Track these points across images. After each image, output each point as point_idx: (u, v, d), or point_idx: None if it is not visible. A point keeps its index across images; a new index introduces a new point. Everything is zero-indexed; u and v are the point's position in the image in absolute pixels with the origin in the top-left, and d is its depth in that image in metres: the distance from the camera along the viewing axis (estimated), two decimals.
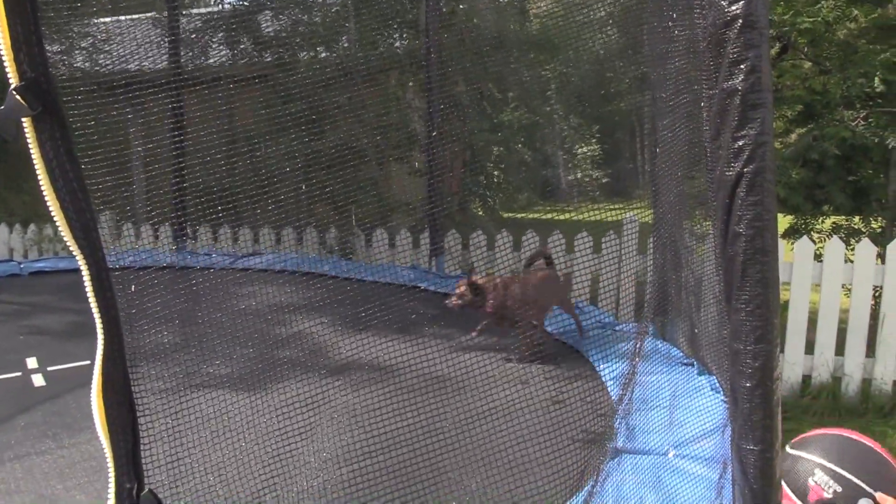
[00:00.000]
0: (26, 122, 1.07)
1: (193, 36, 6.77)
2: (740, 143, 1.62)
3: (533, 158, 9.30)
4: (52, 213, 1.12)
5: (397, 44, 7.94)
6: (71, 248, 1.14)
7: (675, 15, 2.39)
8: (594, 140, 14.20)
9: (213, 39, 6.65)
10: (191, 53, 6.45)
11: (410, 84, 7.82)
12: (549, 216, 8.88)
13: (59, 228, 1.13)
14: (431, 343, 3.90)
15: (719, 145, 1.68)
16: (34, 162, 1.09)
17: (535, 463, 2.52)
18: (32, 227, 6.78)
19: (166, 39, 6.47)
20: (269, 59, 6.75)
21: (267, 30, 6.87)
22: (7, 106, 1.03)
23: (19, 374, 3.60)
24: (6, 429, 2.99)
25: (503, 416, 2.87)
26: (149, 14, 7.76)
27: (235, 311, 4.30)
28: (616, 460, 2.55)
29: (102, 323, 1.14)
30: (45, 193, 1.10)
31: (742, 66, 1.62)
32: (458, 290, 3.76)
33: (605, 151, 14.53)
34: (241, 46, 6.67)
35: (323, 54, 7.24)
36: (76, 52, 8.43)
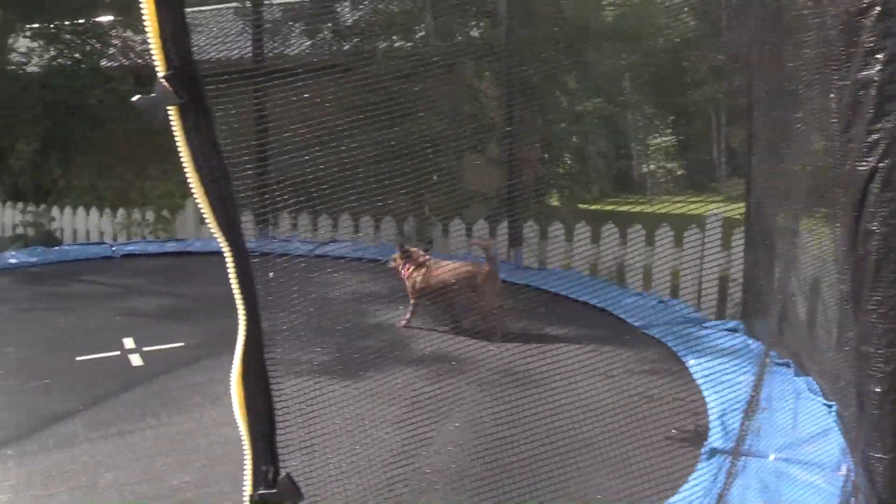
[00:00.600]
0: (172, 111, 1.09)
1: (274, 26, 6.89)
2: (875, 137, 1.54)
3: (609, 149, 9.15)
4: (197, 201, 1.14)
5: (474, 33, 7.91)
6: (215, 235, 1.16)
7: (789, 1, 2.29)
8: (669, 130, 13.87)
9: (294, 29, 6.74)
10: (272, 43, 6.56)
11: (487, 73, 7.78)
12: (626, 208, 8.72)
13: (204, 215, 1.15)
14: (510, 335, 3.89)
15: (850, 138, 1.60)
16: (179, 150, 1.11)
17: (626, 460, 2.48)
18: (121, 211, 7.04)
19: (249, 29, 6.59)
20: (348, 49, 6.81)
21: (346, 20, 6.93)
22: (156, 94, 1.06)
23: (118, 353, 3.74)
24: (109, 405, 3.12)
25: (589, 409, 2.83)
26: (232, 4, 7.94)
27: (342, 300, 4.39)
28: (715, 462, 2.48)
29: (245, 309, 1.16)
30: (189, 181, 1.12)
31: (879, 56, 1.54)
32: (393, 258, 4.35)
33: (680, 142, 14.16)
34: (321, 36, 6.74)
35: (399, 44, 7.27)
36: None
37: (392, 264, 4.35)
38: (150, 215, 6.87)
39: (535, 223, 5.95)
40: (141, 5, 1.03)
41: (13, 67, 8.05)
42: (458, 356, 3.61)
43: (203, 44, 9.22)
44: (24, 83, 7.84)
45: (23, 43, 8.41)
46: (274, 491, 1.15)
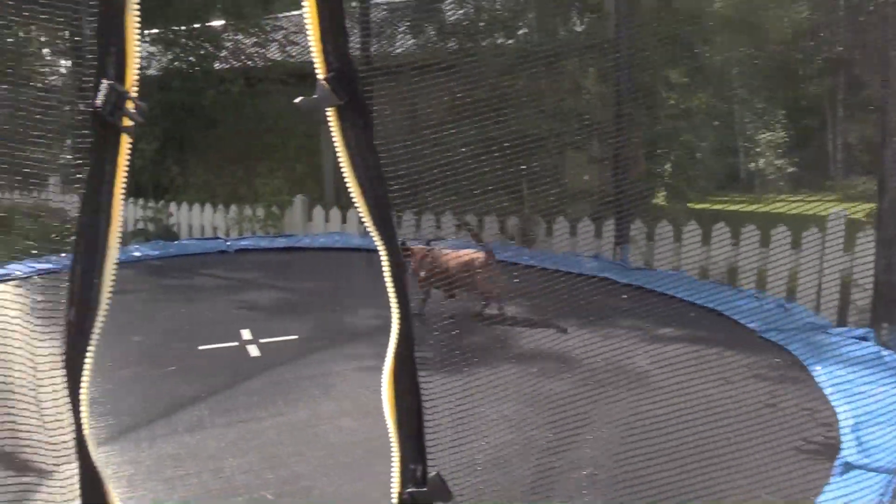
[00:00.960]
0: (330, 112, 1.11)
1: (379, 25, 7.00)
2: None
3: (717, 146, 8.84)
4: (354, 200, 1.16)
5: (578, 28, 7.79)
6: (370, 233, 1.18)
7: None
8: (780, 126, 13.26)
9: (399, 28, 6.83)
10: (378, 42, 6.67)
11: (591, 69, 7.64)
12: (736, 207, 8.39)
13: (360, 214, 1.17)
14: (622, 335, 3.81)
15: None
16: (336, 150, 1.13)
17: (751, 469, 2.38)
18: (234, 207, 7.33)
19: (357, 28, 6.71)
20: (452, 47, 6.84)
21: (451, 17, 6.96)
22: (317, 95, 1.08)
23: (236, 343, 3.89)
24: (231, 393, 3.24)
25: (709, 415, 2.73)
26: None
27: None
28: (845, 476, 2.35)
29: (398, 307, 1.17)
30: (346, 180, 1.14)
31: None
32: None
33: (792, 138, 13.53)
34: (426, 35, 6.80)
35: (501, 41, 7.25)
36: (270, 44, 8.97)
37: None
38: (260, 211, 7.11)
39: (642, 222, 5.82)
40: (303, 7, 1.05)
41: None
42: (565, 354, 3.56)
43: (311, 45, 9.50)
44: (145, 86, 8.27)
45: (143, 48, 8.87)
46: (424, 490, 1.15)
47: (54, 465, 2.24)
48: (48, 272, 5.18)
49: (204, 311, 4.50)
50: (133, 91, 1.05)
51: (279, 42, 8.73)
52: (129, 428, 2.88)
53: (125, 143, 1.07)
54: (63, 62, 9.96)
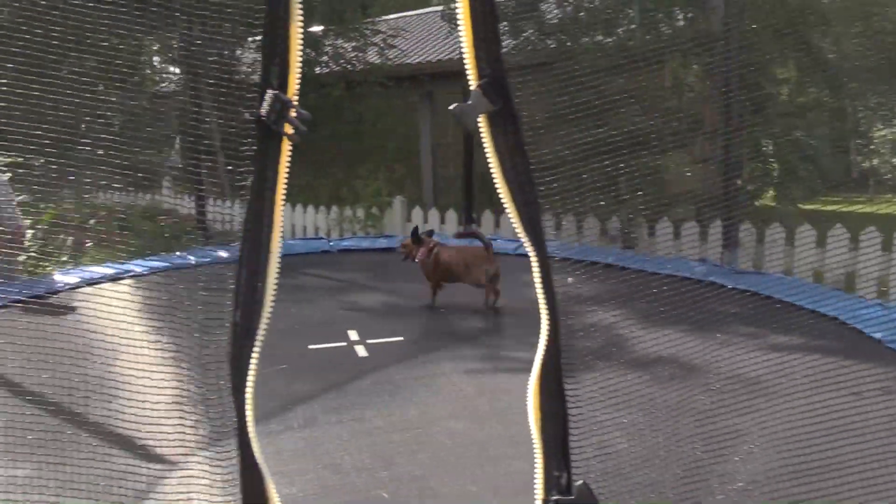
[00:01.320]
0: (481, 118, 1.11)
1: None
2: None
3: (829, 144, 8.41)
4: (504, 204, 1.16)
5: (681, 23, 7.58)
6: (520, 237, 1.17)
7: None
8: None
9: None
10: None
11: (695, 66, 7.42)
12: (852, 208, 7.97)
13: (510, 218, 1.17)
14: (740, 343, 3.67)
15: None
16: (486, 155, 1.13)
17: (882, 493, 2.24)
18: (335, 208, 7.50)
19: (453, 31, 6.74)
20: (552, 46, 6.78)
21: (551, 17, 6.90)
22: (471, 102, 1.08)
23: (345, 343, 3.97)
24: (342, 393, 3.31)
25: (841, 430, 2.59)
26: (438, 8, 8.18)
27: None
28: None
29: (548, 312, 1.15)
30: (497, 184, 1.14)
31: None
32: (403, 244, 4.77)
33: None
34: (525, 35, 6.77)
35: (600, 38, 7.13)
36: (369, 48, 9.12)
37: (401, 250, 4.78)
38: (360, 212, 7.25)
39: (751, 224, 5.60)
40: (457, 13, 1.05)
41: (241, 77, 8.83)
42: (684, 361, 3.46)
43: (407, 48, 9.61)
44: (251, 93, 8.58)
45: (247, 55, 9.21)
46: (570, 498, 1.14)
47: (172, 463, 2.35)
48: (164, 270, 5.45)
49: (312, 311, 4.61)
50: (295, 99, 1.08)
51: (378, 45, 8.87)
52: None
53: (286, 150, 1.10)
54: (172, 70, 10.46)
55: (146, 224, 7.30)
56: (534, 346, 3.87)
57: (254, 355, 1.13)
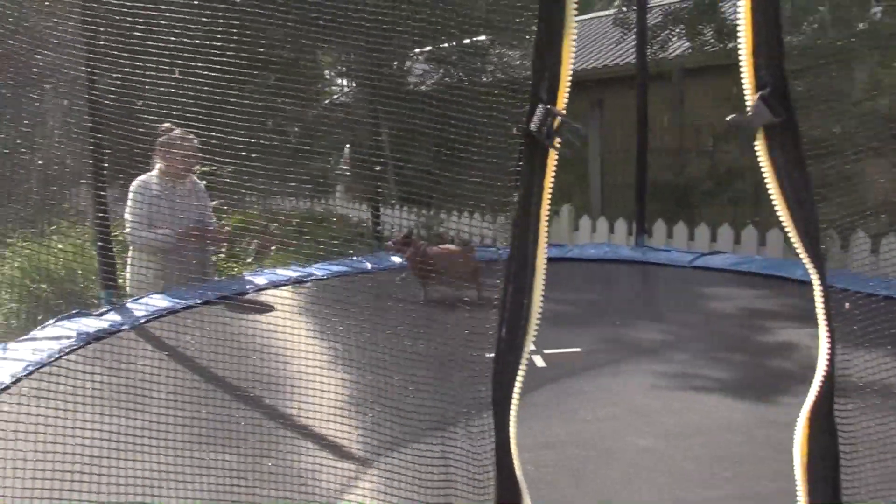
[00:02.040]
0: (758, 129, 1.04)
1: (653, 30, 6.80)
2: None
3: None
4: (782, 222, 1.09)
5: (878, 17, 6.98)
6: (801, 256, 1.09)
7: None
8: None
9: (674, 32, 6.58)
10: (652, 48, 6.48)
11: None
12: None
13: (790, 238, 1.09)
14: None
15: None
16: (762, 169, 1.06)
17: None
18: (501, 216, 7.55)
19: (628, 35, 6.59)
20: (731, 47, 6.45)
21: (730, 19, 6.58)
22: (752, 113, 1.02)
23: None
24: (522, 403, 3.22)
25: None
26: (610, 12, 8.04)
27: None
28: None
29: (828, 340, 1.07)
30: (774, 200, 1.07)
31: None
32: (391, 242, 5.01)
33: None
34: (703, 37, 6.49)
35: (787, 39, 6.69)
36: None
37: (392, 246, 5.01)
38: None
39: None
40: (739, 20, 0.99)
41: (410, 87, 9.11)
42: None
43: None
44: (417, 102, 8.83)
45: (417, 66, 9.49)
46: None
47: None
48: (341, 275, 5.69)
49: (488, 320, 4.63)
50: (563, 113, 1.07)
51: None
52: (433, 427, 3.01)
53: (552, 164, 1.10)
54: (342, 82, 10.97)
55: (322, 230, 7.68)
56: (716, 361, 3.68)
57: (520, 371, 1.13)
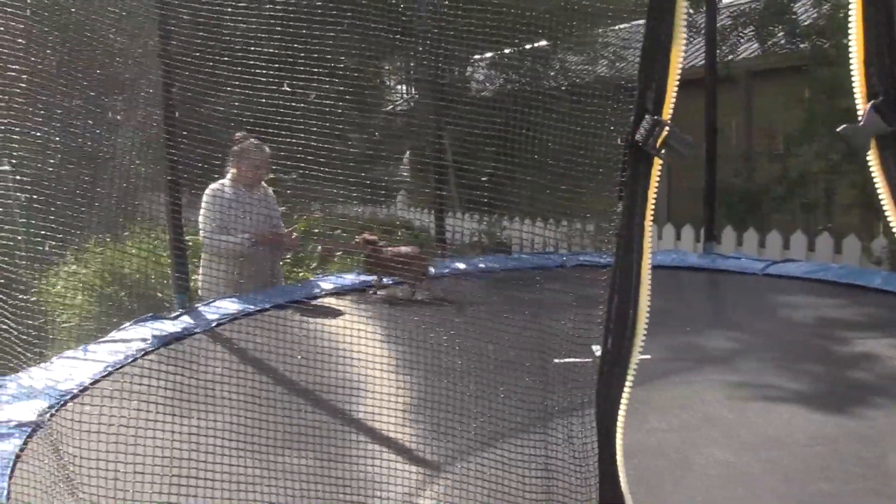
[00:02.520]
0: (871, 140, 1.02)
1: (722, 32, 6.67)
2: None
3: None
4: (893, 229, 1.06)
5: None
6: None
7: None
8: None
9: (744, 34, 6.44)
10: (721, 50, 6.35)
11: None
12: None
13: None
14: None
15: None
16: (874, 179, 1.04)
17: None
18: (564, 222, 7.51)
19: (695, 38, 6.47)
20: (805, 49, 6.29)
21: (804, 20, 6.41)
22: (863, 122, 0.99)
23: (590, 360, 3.91)
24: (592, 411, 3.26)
25: None
26: None
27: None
28: None
29: None
30: (886, 212, 1.04)
31: None
32: (359, 239, 5.08)
33: None
34: (774, 39, 6.33)
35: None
36: (598, 61, 9.04)
37: (356, 242, 5.15)
38: (590, 227, 7.18)
39: None
40: (850, 26, 0.97)
41: (472, 93, 9.14)
42: None
43: (635, 58, 9.40)
44: (480, 109, 8.84)
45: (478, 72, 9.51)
46: None
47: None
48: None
49: (552, 325, 4.60)
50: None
51: (608, 58, 8.77)
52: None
53: (656, 174, 1.09)
54: (401, 89, 11.07)
55: (383, 236, 7.74)
56: (791, 372, 3.56)
57: (628, 382, 1.13)
